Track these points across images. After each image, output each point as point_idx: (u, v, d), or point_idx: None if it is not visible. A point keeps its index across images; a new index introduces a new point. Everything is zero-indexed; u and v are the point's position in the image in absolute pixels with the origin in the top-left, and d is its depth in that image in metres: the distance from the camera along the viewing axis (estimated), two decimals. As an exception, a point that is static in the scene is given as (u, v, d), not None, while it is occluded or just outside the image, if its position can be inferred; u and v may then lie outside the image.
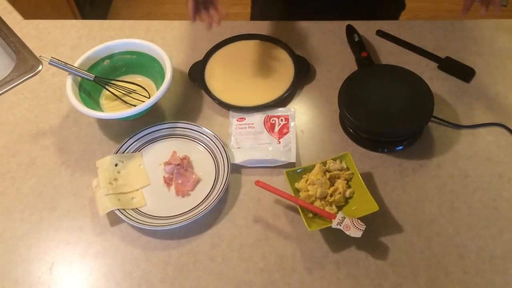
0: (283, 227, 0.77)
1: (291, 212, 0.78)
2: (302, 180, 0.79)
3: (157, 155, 0.86)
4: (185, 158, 0.83)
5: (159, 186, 0.82)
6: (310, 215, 0.76)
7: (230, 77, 0.96)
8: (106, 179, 0.80)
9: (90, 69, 0.90)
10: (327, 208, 0.76)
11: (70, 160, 0.86)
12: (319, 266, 0.73)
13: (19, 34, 1.06)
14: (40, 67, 1.01)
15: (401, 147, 0.85)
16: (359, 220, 0.71)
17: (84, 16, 2.11)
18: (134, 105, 0.87)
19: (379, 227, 0.76)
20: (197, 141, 0.87)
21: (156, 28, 1.07)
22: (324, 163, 0.80)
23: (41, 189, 0.83)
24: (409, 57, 0.98)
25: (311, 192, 0.76)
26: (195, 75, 0.96)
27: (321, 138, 0.87)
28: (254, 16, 1.25)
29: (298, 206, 0.75)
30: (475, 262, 0.72)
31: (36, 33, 1.07)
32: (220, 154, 0.83)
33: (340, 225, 0.71)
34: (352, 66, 0.96)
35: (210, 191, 0.80)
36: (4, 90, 0.97)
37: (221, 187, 0.79)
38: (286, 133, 0.87)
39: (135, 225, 0.75)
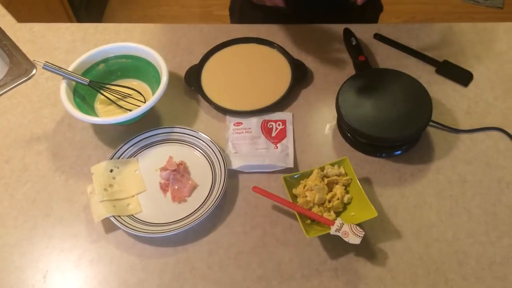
0: (281, 233, 0.76)
1: (288, 218, 0.77)
2: (300, 186, 0.78)
3: (153, 161, 0.85)
4: (181, 163, 0.82)
5: (155, 192, 0.81)
6: (308, 221, 0.75)
7: (226, 81, 0.95)
8: (101, 185, 0.79)
9: (85, 73, 0.89)
10: (325, 214, 0.75)
11: (65, 166, 0.85)
12: (317, 273, 0.72)
13: (12, 38, 1.05)
14: (34, 71, 0.99)
15: (399, 152, 0.84)
16: (357, 227, 0.70)
17: (79, 19, 2.09)
18: (130, 110, 0.86)
19: (377, 234, 0.75)
20: (193, 146, 0.86)
21: (151, 31, 1.06)
22: (322, 169, 0.79)
23: (34, 195, 0.82)
24: (407, 61, 0.97)
25: (309, 198, 0.75)
26: (191, 79, 0.95)
27: (318, 143, 0.87)
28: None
29: (296, 212, 0.74)
30: (474, 268, 0.71)
31: (30, 36, 1.06)
32: (217, 159, 0.82)
33: (339, 232, 0.70)
34: (350, 70, 0.95)
35: (206, 197, 0.79)
36: (-2, 94, 0.96)
37: (218, 193, 0.78)
38: (284, 137, 0.86)
39: (131, 232, 0.74)
